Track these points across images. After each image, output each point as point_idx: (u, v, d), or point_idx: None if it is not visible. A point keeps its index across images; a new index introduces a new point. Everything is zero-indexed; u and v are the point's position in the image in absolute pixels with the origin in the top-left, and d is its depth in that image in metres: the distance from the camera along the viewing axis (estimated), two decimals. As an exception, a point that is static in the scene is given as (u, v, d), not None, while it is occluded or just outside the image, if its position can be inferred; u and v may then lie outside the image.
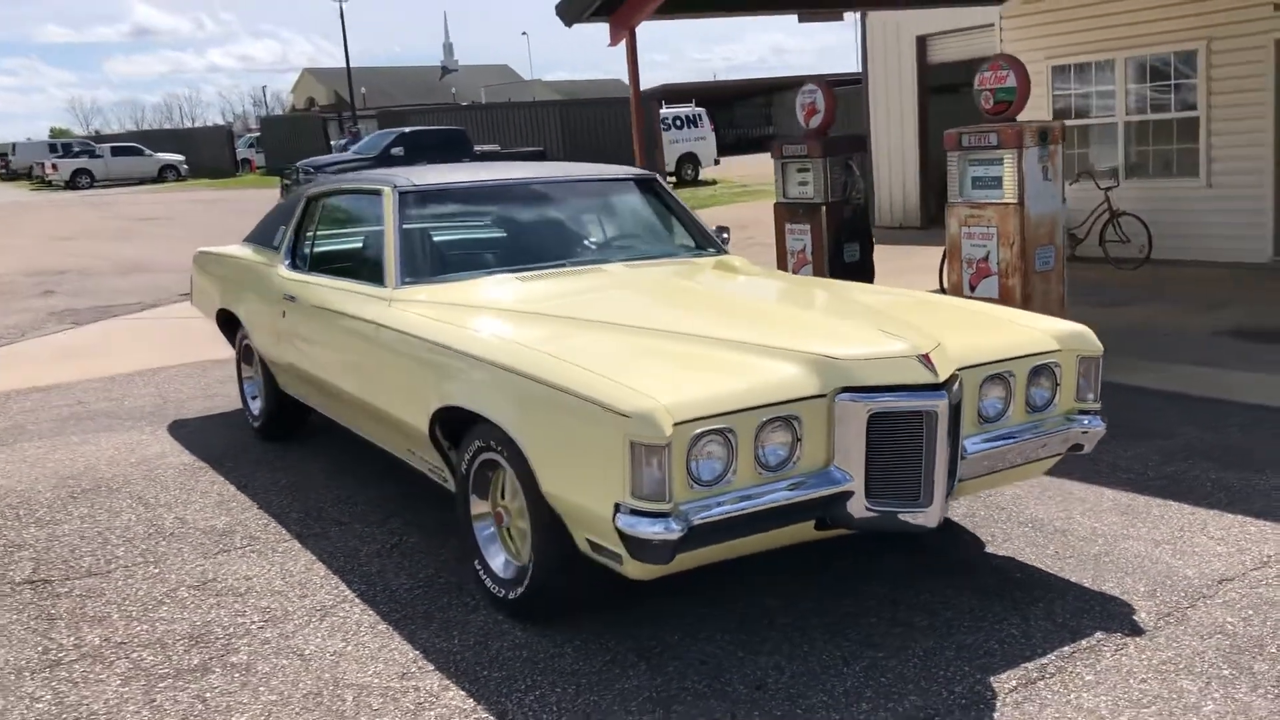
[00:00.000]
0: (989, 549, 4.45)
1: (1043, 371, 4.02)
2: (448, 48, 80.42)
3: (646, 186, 5.64)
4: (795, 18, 12.15)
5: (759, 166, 33.48)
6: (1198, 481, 5.09)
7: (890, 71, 19.14)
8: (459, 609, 4.10)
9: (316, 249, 5.79)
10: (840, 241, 8.74)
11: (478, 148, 24.24)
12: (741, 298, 4.59)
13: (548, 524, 3.67)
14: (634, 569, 3.40)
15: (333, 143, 37.22)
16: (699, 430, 3.25)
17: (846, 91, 20.82)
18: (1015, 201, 7.33)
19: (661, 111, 27.39)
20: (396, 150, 23.49)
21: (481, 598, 4.14)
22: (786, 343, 3.65)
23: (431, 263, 4.93)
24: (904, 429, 3.50)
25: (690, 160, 29.33)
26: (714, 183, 30.20)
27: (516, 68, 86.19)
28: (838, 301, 4.58)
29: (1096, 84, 12.58)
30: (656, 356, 3.68)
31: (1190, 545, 4.37)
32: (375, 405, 4.71)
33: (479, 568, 4.11)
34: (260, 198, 33.00)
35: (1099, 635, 3.67)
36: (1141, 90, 12.18)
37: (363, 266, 5.18)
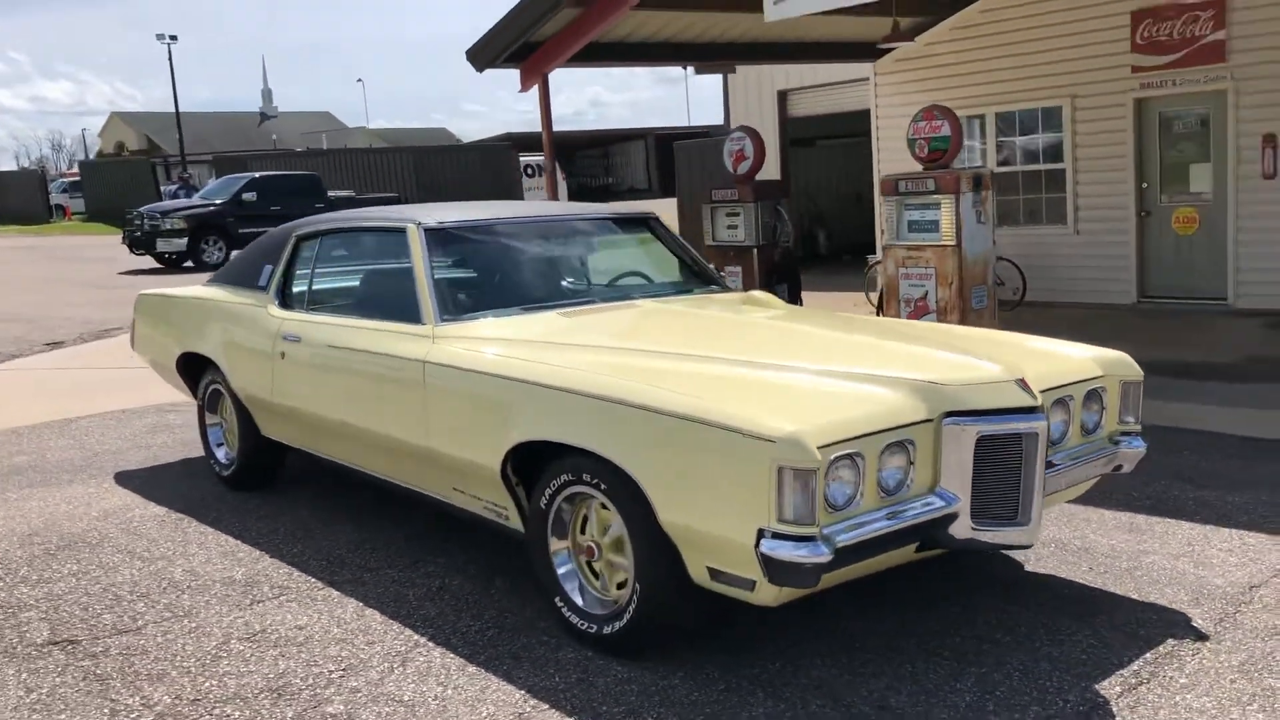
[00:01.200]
0: (1027, 569, 4.68)
1: (1093, 395, 4.28)
2: (266, 94, 78.35)
3: (650, 225, 5.72)
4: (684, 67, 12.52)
5: (605, 215, 33.89)
6: (1181, 500, 5.47)
7: (752, 124, 19.75)
8: (542, 646, 4.04)
9: (317, 288, 5.62)
10: (772, 282, 9.01)
11: (332, 194, 23.74)
12: (803, 329, 4.68)
13: (656, 556, 3.68)
14: (768, 594, 3.45)
15: (162, 188, 35.73)
16: (834, 455, 3.35)
17: (688, 144, 21.45)
18: (953, 243, 7.74)
19: (521, 159, 27.45)
20: (249, 195, 22.75)
21: (562, 634, 4.10)
22: (888, 371, 3.79)
23: (468, 300, 4.88)
24: (1007, 451, 3.68)
25: (541, 208, 29.28)
26: (564, 230, 30.38)
27: (339, 115, 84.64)
28: (894, 333, 4.68)
29: (968, 137, 13.33)
30: (761, 386, 3.75)
31: (1205, 557, 4.70)
32: (418, 444, 4.61)
33: (560, 604, 4.07)
34: (83, 245, 31.41)
35: (1171, 642, 3.92)
36: (1010, 143, 13.00)
37: (383, 305, 5.07)
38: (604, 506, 3.92)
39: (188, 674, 3.94)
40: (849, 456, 3.39)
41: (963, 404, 3.65)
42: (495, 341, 4.49)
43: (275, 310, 5.67)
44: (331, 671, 3.92)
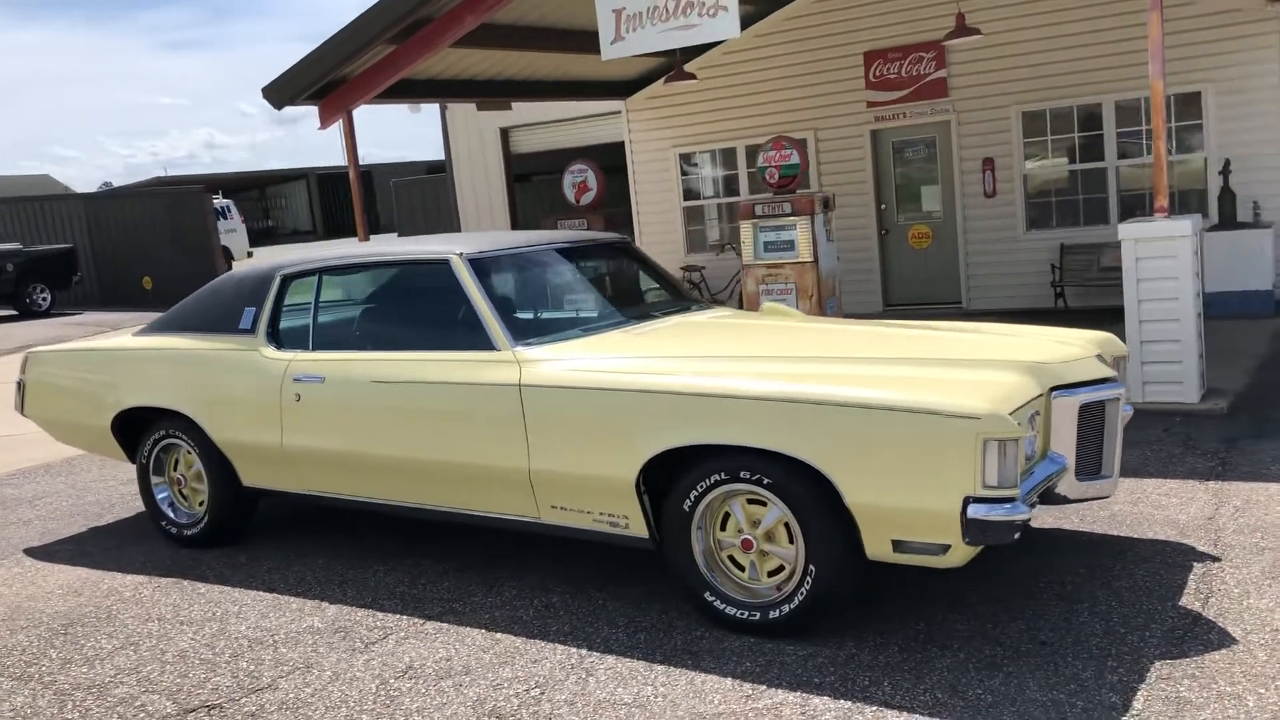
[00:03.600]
0: (1035, 524, 5.42)
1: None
2: None
3: (629, 249, 6.02)
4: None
5: (279, 257, 32.72)
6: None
7: (475, 160, 20.09)
8: (703, 640, 4.29)
9: (324, 326, 5.46)
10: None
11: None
12: (877, 331, 5.09)
13: (832, 538, 4.06)
14: (959, 556, 3.92)
15: None
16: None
17: (408, 182, 21.36)
18: (810, 260, 8.54)
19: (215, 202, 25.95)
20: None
21: (709, 625, 4.35)
22: (998, 356, 4.38)
23: (527, 325, 5.00)
24: (1098, 415, 4.38)
25: (224, 254, 28.01)
26: (247, 277, 29.11)
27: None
28: (944, 329, 5.20)
29: (723, 168, 14.39)
30: (911, 378, 4.18)
31: (1155, 502, 5.65)
32: (513, 467, 4.68)
33: (711, 598, 4.34)
34: None
35: (1198, 566, 4.76)
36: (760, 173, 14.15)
37: (429, 336, 5.08)
38: (751, 502, 4.25)
39: (379, 717, 3.85)
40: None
41: (1065, 378, 4.31)
42: (594, 360, 4.67)
43: (272, 352, 5.46)
44: (528, 690, 3.97)
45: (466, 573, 5.22)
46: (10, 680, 4.38)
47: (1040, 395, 4.20)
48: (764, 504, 4.24)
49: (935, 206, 13.21)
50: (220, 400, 5.61)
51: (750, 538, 4.29)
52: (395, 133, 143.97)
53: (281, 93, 10.61)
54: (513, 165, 19.79)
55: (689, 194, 14.61)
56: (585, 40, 9.99)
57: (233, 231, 28.91)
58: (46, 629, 4.92)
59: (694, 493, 4.31)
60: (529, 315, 5.12)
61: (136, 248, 22.94)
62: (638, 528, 4.53)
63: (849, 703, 3.72)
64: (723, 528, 4.37)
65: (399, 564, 5.42)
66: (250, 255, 30.63)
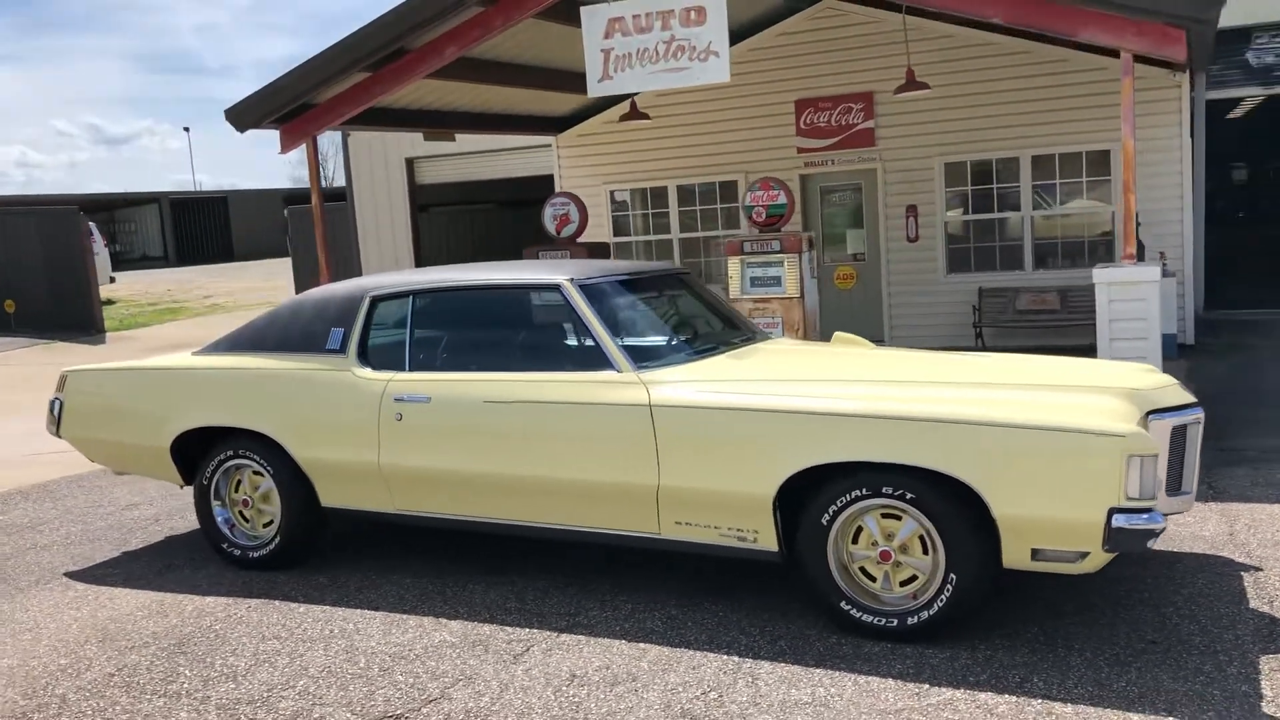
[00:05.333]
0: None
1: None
2: None
3: (686, 280, 6.29)
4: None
5: (142, 283, 31.54)
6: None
7: (379, 190, 19.99)
8: (846, 646, 4.56)
9: (421, 347, 5.52)
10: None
11: None
12: (971, 360, 5.46)
13: (973, 549, 4.41)
14: (1095, 563, 4.31)
15: None
16: (1147, 444, 4.33)
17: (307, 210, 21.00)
18: (797, 295, 8.96)
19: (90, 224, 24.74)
20: None
21: (847, 633, 4.63)
22: (1098, 383, 4.83)
23: (638, 348, 5.21)
24: (1181, 436, 4.87)
25: (86, 279, 26.67)
26: (111, 302, 27.87)
27: None
28: (1021, 359, 5.64)
29: (653, 207, 14.76)
30: (1038, 400, 4.57)
31: (1175, 520, 6.18)
32: (640, 483, 4.86)
33: (847, 607, 4.62)
34: None
35: (1245, 576, 5.29)
36: (691, 212, 14.58)
37: (541, 357, 5.28)
38: (886, 515, 4.57)
39: (575, 720, 3.99)
40: (1145, 445, 4.38)
41: (1159, 403, 4.78)
42: (716, 382, 4.92)
43: (367, 373, 5.50)
44: (704, 694, 4.16)
45: (569, 589, 5.35)
46: (160, 698, 4.32)
47: (1141, 418, 4.66)
48: (898, 517, 4.56)
49: (860, 249, 13.87)
50: (307, 419, 5.60)
51: (889, 549, 4.59)
52: (242, 158, 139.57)
53: (245, 116, 10.50)
54: (417, 196, 19.75)
55: (619, 229, 14.91)
56: (546, 77, 10.23)
57: (95, 255, 27.58)
58: (157, 649, 4.83)
59: (833, 507, 4.60)
60: (633, 339, 5.31)
61: (13, 269, 21.76)
62: (767, 541, 4.78)
63: (1013, 697, 4.05)
64: (854, 540, 4.66)
65: (492, 582, 5.50)
66: (113, 280, 29.38)
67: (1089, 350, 8.54)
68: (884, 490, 4.51)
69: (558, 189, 15.39)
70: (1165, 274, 12.13)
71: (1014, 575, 4.54)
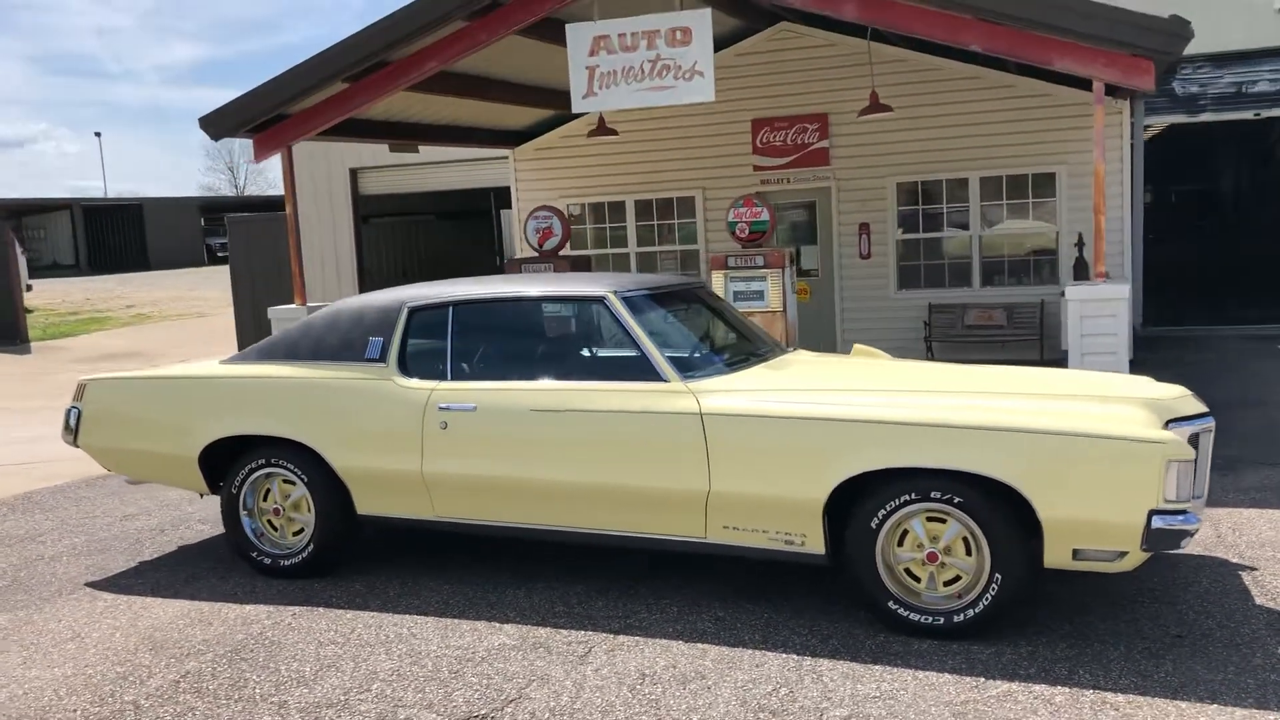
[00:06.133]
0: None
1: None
2: None
3: (707, 292, 6.49)
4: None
5: (56, 291, 30.72)
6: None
7: (321, 201, 19.85)
8: (896, 644, 4.77)
9: (463, 357, 5.61)
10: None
11: None
12: (994, 372, 5.67)
13: (1017, 549, 4.67)
14: (1132, 561, 4.60)
15: None
16: (1181, 450, 4.64)
17: (247, 219, 20.70)
18: (780, 309, 9.22)
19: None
20: None
21: (893, 632, 4.85)
22: (1122, 393, 5.13)
23: (679, 359, 5.38)
24: (1198, 444, 5.19)
25: None
26: (30, 310, 27.07)
27: None
28: (1034, 370, 5.87)
29: (610, 220, 14.93)
30: (1076, 410, 4.85)
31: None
32: (691, 490, 5.03)
33: (895, 606, 4.85)
34: None
35: (1242, 574, 5.65)
36: (649, 226, 14.78)
37: (585, 367, 5.43)
38: (930, 519, 4.81)
39: (657, 718, 4.13)
40: (1176, 450, 4.68)
41: (1177, 412, 5.10)
42: (762, 392, 5.12)
43: (408, 382, 5.58)
44: (775, 690, 4.34)
45: (609, 593, 5.49)
46: (236, 703, 4.35)
47: (1162, 427, 4.97)
48: (943, 520, 4.80)
49: (814, 265, 14.21)
50: (347, 427, 5.65)
51: (935, 551, 4.83)
52: (149, 164, 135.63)
53: (221, 124, 10.47)
54: (360, 207, 19.67)
55: (576, 243, 15.03)
56: (515, 91, 10.34)
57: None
58: (213, 656, 4.85)
59: (882, 511, 4.82)
60: (671, 350, 5.46)
61: None
62: (814, 544, 4.99)
63: (1066, 688, 4.31)
64: (899, 543, 4.89)
65: (530, 587, 5.61)
66: (29, 289, 28.59)
67: (1037, 364, 8.94)
68: (932, 495, 4.75)
69: (514, 202, 15.49)
70: (1109, 292, 12.72)
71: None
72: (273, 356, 5.96)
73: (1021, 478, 4.61)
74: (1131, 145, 13.53)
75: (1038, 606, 5.16)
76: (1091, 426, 4.61)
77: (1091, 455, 4.55)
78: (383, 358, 5.69)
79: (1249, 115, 15.82)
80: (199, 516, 7.34)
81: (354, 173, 19.40)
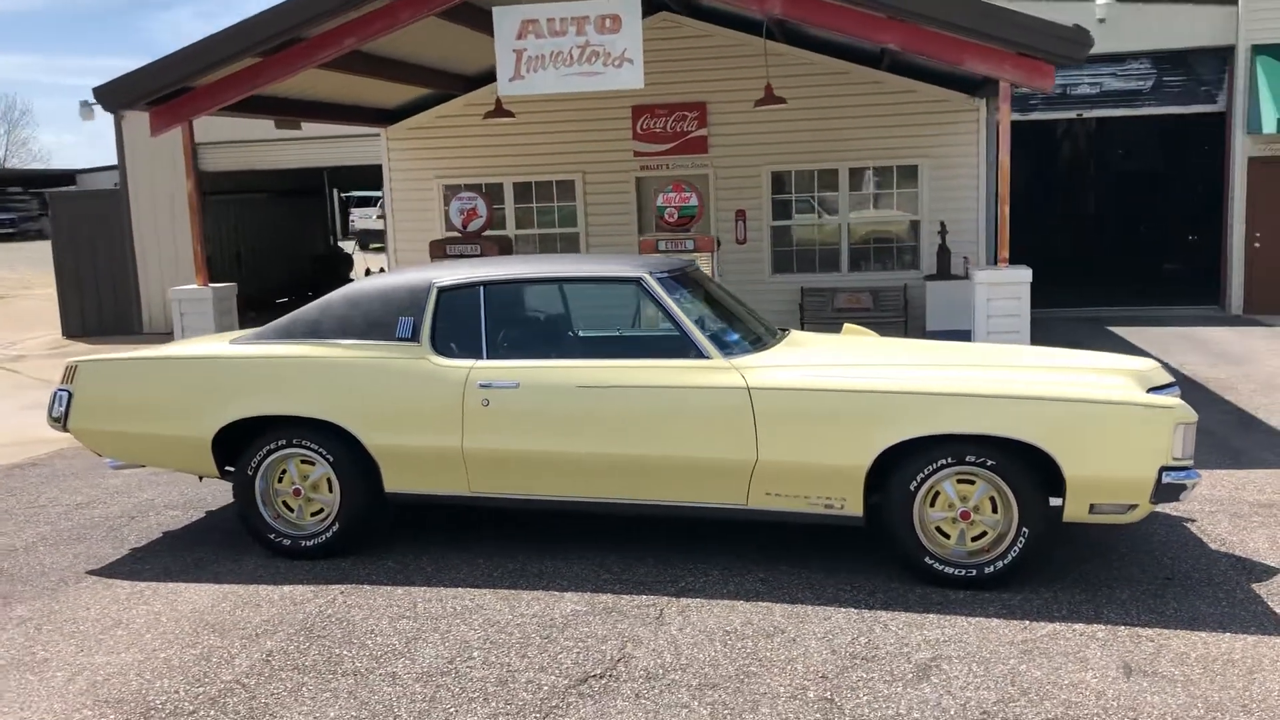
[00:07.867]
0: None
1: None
2: None
3: (702, 273, 6.78)
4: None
5: None
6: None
7: (158, 178, 19.06)
8: (935, 595, 5.22)
9: (498, 335, 5.69)
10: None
11: None
12: (982, 348, 6.22)
13: (1037, 506, 5.19)
14: (1140, 513, 5.19)
15: None
16: (1168, 416, 5.25)
17: (73, 194, 19.62)
18: (708, 292, 9.56)
19: None
20: None
21: (928, 585, 5.30)
22: (1111, 365, 5.73)
23: (722, 338, 5.67)
24: (1169, 411, 5.86)
25: None
26: None
27: None
28: (1027, 347, 6.47)
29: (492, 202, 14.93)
30: (1086, 380, 5.40)
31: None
32: (738, 459, 5.33)
33: (930, 561, 5.30)
34: None
35: (1226, 523, 6.38)
36: (528, 209, 14.88)
37: (624, 345, 5.63)
38: (960, 481, 5.28)
39: (737, 677, 4.43)
40: (1174, 415, 5.30)
41: (1154, 382, 5.74)
42: (809, 367, 5.49)
43: (446, 360, 5.64)
44: (855, 639, 4.70)
45: (646, 560, 5.72)
46: (346, 677, 4.38)
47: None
48: (971, 482, 5.28)
49: (693, 249, 14.64)
50: (379, 406, 5.66)
51: (967, 510, 5.30)
52: None
53: (119, 96, 10.04)
54: (202, 185, 18.87)
55: (450, 224, 14.97)
56: (406, 70, 10.32)
57: None
58: (285, 635, 4.83)
59: (920, 475, 5.26)
60: (704, 329, 5.73)
61: None
62: (853, 507, 5.38)
63: (1100, 626, 4.86)
64: (931, 504, 5.34)
65: (568, 558, 5.77)
66: None
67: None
68: (968, 459, 5.21)
69: (386, 183, 15.29)
70: (968, 276, 13.68)
71: (1066, 528, 5.35)
72: (294, 335, 5.89)
73: (1050, 441, 5.12)
74: (986, 141, 14.54)
75: (1043, 561, 5.71)
76: (1109, 394, 5.17)
77: (1111, 419, 5.11)
78: (415, 337, 5.72)
79: (1073, 115, 17.20)
80: (164, 502, 7.11)
81: (195, 148, 18.56)
